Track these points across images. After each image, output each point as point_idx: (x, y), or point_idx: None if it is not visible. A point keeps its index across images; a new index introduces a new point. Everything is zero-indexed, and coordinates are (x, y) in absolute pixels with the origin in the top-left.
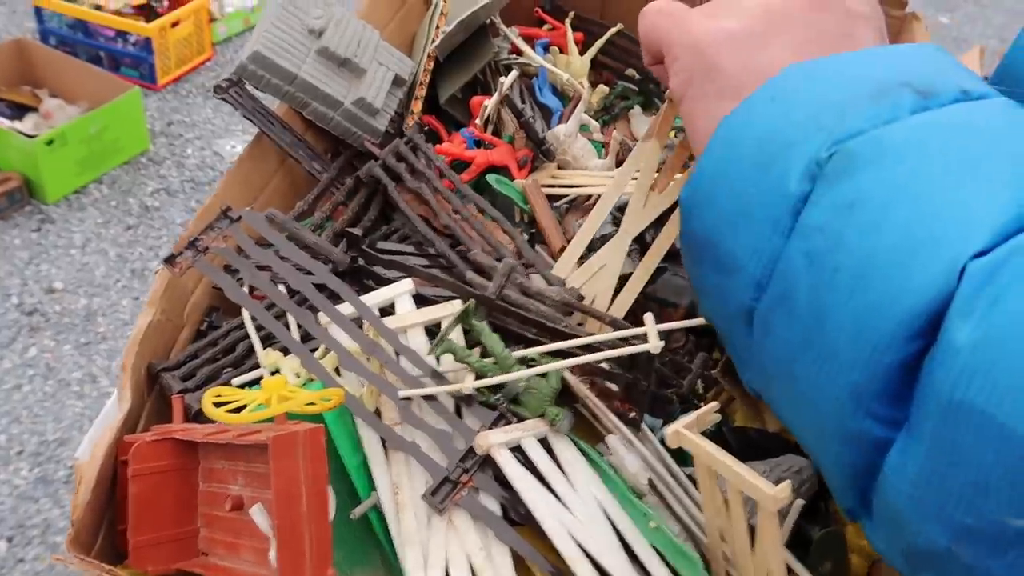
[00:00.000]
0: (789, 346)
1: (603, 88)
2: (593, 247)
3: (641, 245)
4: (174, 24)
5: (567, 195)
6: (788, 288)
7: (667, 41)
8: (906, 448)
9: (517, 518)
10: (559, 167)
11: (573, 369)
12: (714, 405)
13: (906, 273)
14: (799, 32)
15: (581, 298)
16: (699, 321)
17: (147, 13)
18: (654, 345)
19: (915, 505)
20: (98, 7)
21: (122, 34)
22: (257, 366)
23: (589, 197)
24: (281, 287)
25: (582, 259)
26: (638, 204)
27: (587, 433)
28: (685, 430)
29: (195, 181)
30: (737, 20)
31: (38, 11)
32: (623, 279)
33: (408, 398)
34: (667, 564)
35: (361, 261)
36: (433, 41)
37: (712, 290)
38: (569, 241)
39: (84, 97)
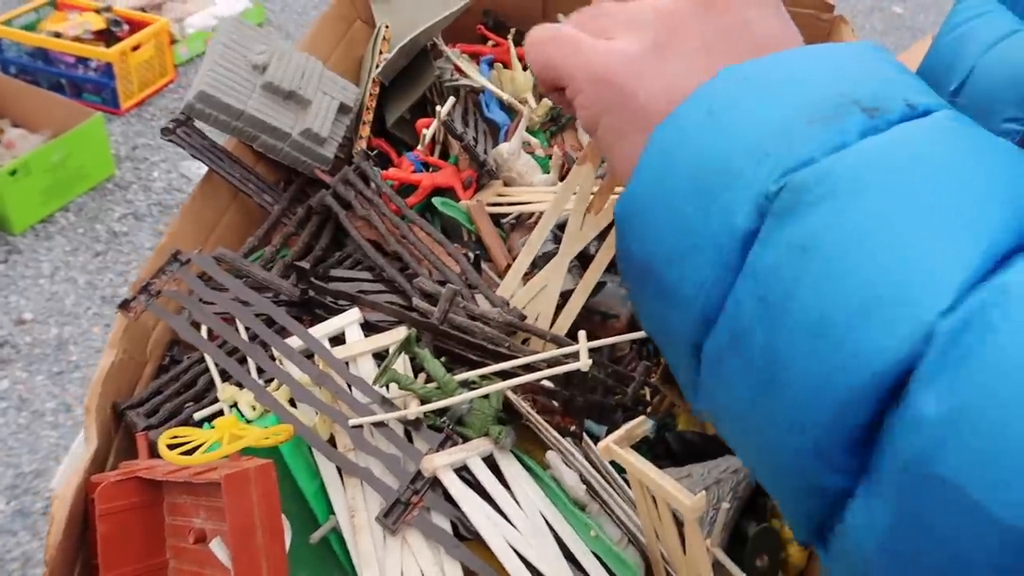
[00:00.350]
0: (744, 394)
1: (547, 102)
2: (537, 264)
3: (583, 259)
4: (135, 48)
5: (512, 212)
6: (741, 332)
7: (565, 73)
8: (870, 505)
9: (467, 534)
10: (505, 183)
11: (516, 388)
12: (642, 419)
13: (867, 333)
14: (699, 33)
15: (523, 318)
16: (637, 335)
17: (107, 38)
18: (584, 364)
19: (885, 561)
20: (57, 34)
21: (83, 60)
22: (217, 399)
23: (532, 214)
24: (239, 324)
25: (527, 275)
26: (575, 227)
27: (535, 444)
28: (614, 445)
29: (163, 204)
30: (634, 37)
31: None
32: (566, 295)
33: (359, 425)
34: (608, 570)
35: (311, 292)
36: (377, 66)
37: (655, 316)
38: (514, 259)
39: (47, 125)
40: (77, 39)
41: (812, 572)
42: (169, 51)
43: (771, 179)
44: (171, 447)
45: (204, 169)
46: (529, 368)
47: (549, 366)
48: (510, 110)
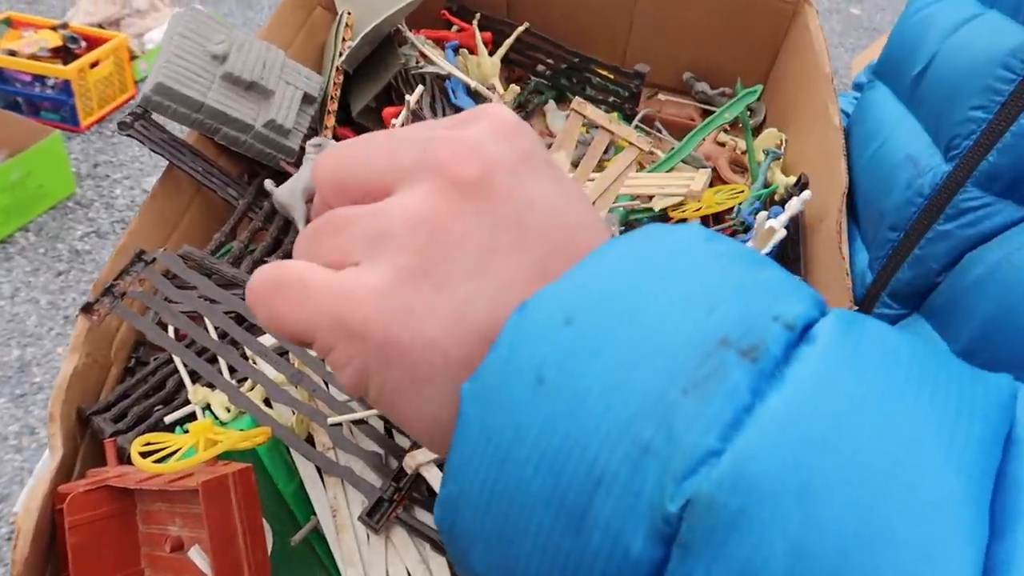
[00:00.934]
0: None
1: (514, 88)
2: None
3: None
4: (93, 64)
5: None
6: None
7: (300, 330)
8: None
9: None
10: None
11: None
12: None
13: None
14: (474, 238)
15: None
16: None
17: (64, 55)
18: None
19: None
20: (12, 52)
21: (39, 78)
22: (188, 402)
23: None
24: (207, 323)
25: None
26: None
27: None
28: None
29: (125, 221)
30: (383, 262)
31: None
32: None
33: (338, 424)
34: None
35: None
36: (341, 55)
37: None
38: None
39: (4, 144)
40: (33, 57)
41: None
42: (129, 67)
43: (665, 494)
44: (144, 455)
45: None
46: None
47: None
48: (477, 96)
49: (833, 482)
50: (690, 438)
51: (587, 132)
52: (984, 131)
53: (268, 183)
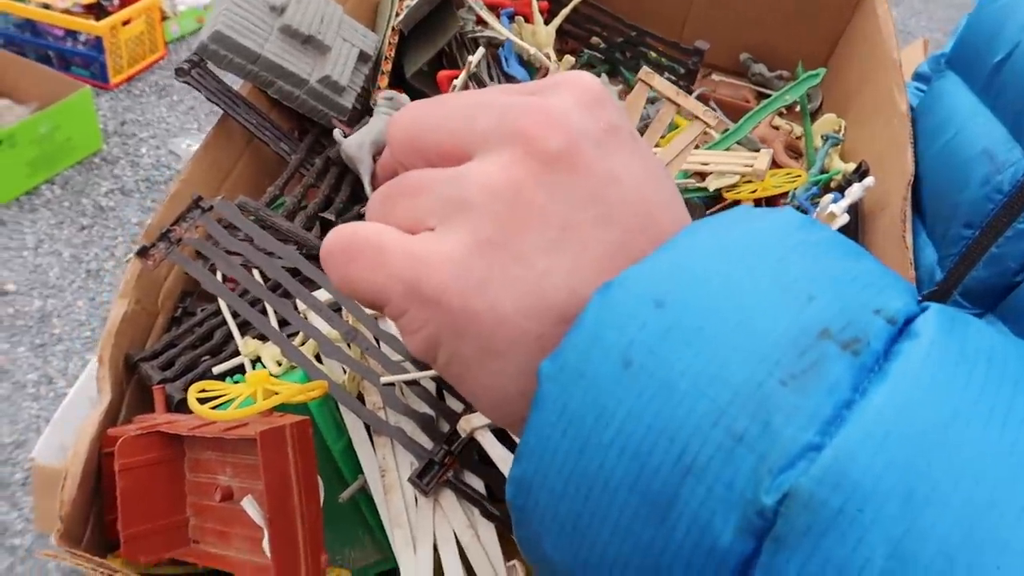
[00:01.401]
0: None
1: (569, 58)
2: None
3: None
4: (125, 22)
5: None
6: None
7: (374, 293)
8: None
9: (502, 497)
10: None
11: None
12: None
13: None
14: (554, 211)
15: None
16: None
17: (97, 12)
18: None
19: None
20: (46, 6)
21: (72, 33)
22: (236, 353)
23: None
24: (256, 275)
25: None
26: None
27: None
28: None
29: (150, 180)
30: (459, 230)
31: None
32: None
33: (391, 384)
34: None
35: None
36: (397, 15)
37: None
38: None
39: (34, 97)
40: (67, 12)
41: None
42: (160, 28)
43: (761, 487)
44: (201, 401)
45: (194, 147)
46: None
47: None
48: (530, 66)
49: (940, 485)
50: (789, 431)
51: (644, 107)
52: None
53: (337, 132)
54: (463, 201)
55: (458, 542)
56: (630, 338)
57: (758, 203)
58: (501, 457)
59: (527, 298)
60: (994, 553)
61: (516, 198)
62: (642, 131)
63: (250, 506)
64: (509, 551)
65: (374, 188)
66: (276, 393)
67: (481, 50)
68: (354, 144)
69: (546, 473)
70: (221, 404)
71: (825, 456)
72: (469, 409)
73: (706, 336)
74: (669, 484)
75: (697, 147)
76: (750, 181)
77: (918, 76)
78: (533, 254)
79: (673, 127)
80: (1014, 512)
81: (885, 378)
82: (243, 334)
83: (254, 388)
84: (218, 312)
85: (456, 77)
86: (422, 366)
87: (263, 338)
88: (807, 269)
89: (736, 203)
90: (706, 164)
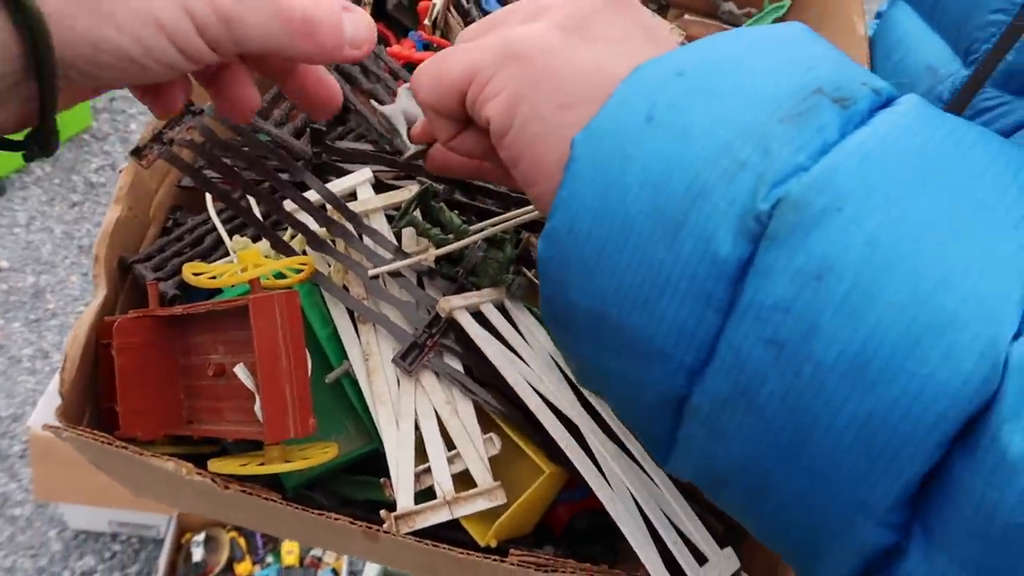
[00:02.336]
0: (756, 450)
1: None
2: None
3: None
4: None
5: None
6: (747, 385)
7: (467, 65)
8: (931, 560)
9: (479, 376)
10: None
11: (535, 235)
12: None
13: (921, 367)
14: (610, 24)
15: None
16: None
17: None
18: None
19: None
20: None
21: None
22: (227, 255)
23: None
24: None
25: None
26: None
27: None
28: None
29: None
30: (546, 21)
31: None
32: None
33: (375, 277)
34: None
35: (324, 156)
36: None
37: (613, 374)
38: None
39: None
40: None
41: None
42: None
43: (758, 196)
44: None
45: None
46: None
47: None
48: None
49: (910, 189)
50: (784, 154)
51: None
52: (1003, 33)
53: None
54: (544, 7)
55: (438, 417)
56: (653, 100)
57: None
58: (478, 335)
59: (593, 65)
60: (955, 242)
61: (585, 11)
62: None
63: (242, 372)
64: (485, 425)
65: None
66: (264, 264)
67: None
68: (390, 111)
69: (574, 219)
70: (212, 277)
71: (813, 171)
72: (454, 292)
73: (719, 92)
74: (680, 208)
75: None
76: None
77: (878, 15)
78: (600, 43)
79: None
80: (972, 212)
81: (867, 126)
82: (232, 238)
83: (244, 263)
84: (207, 221)
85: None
86: (404, 257)
87: (254, 239)
88: (809, 50)
89: None
90: None
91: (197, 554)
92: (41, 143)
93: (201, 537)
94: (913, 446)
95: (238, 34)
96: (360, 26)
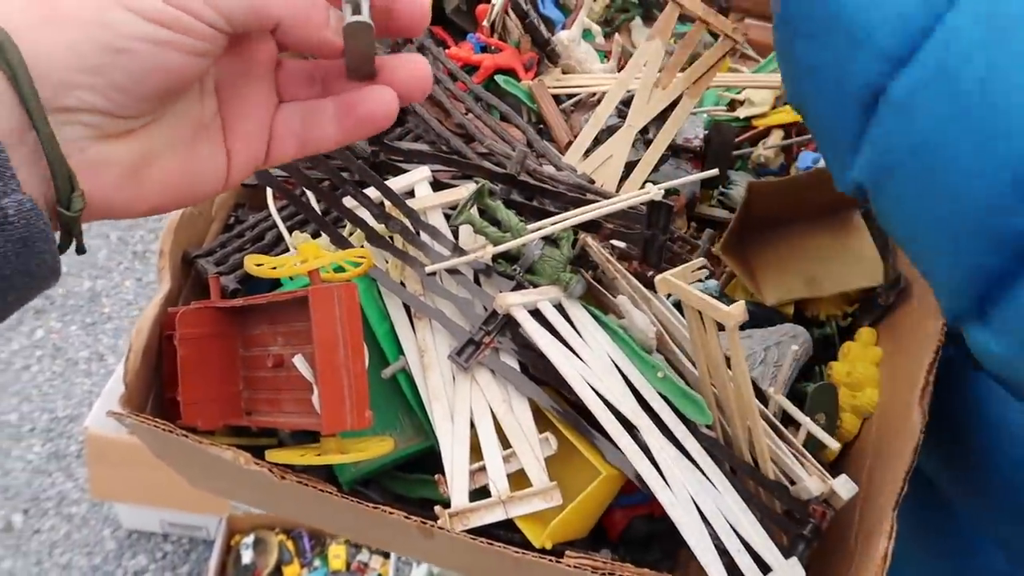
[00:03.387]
0: (939, 128)
1: (604, 0)
2: (599, 140)
3: (643, 138)
4: None
5: (574, 95)
6: (953, 63)
7: None
8: None
9: (536, 374)
10: (563, 72)
11: (592, 234)
12: (700, 261)
13: None
14: None
15: (591, 182)
16: (711, 173)
17: None
18: (655, 193)
19: None
20: None
21: None
22: (287, 251)
23: (594, 95)
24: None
25: (588, 152)
26: (642, 100)
27: (596, 303)
28: (670, 276)
29: None
30: None
31: None
32: (629, 168)
33: (432, 274)
34: (674, 409)
35: (382, 156)
36: None
37: (820, 68)
38: (576, 136)
39: None
40: None
41: (862, 442)
42: None
43: None
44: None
45: None
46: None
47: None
48: (564, 8)
49: None
50: None
51: (673, 42)
52: None
53: None
54: None
55: (493, 415)
56: None
57: (787, 131)
58: (536, 332)
59: None
60: None
61: None
62: (673, 53)
63: (300, 363)
64: (541, 424)
65: None
66: (324, 256)
67: None
68: None
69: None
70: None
71: None
72: (513, 288)
73: None
74: None
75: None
76: (780, 111)
77: None
78: None
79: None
80: None
81: None
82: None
83: (304, 255)
84: (268, 218)
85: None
86: (461, 254)
87: (314, 236)
88: None
89: (767, 130)
90: (739, 93)
91: (246, 556)
92: (63, 202)
93: (250, 539)
94: None
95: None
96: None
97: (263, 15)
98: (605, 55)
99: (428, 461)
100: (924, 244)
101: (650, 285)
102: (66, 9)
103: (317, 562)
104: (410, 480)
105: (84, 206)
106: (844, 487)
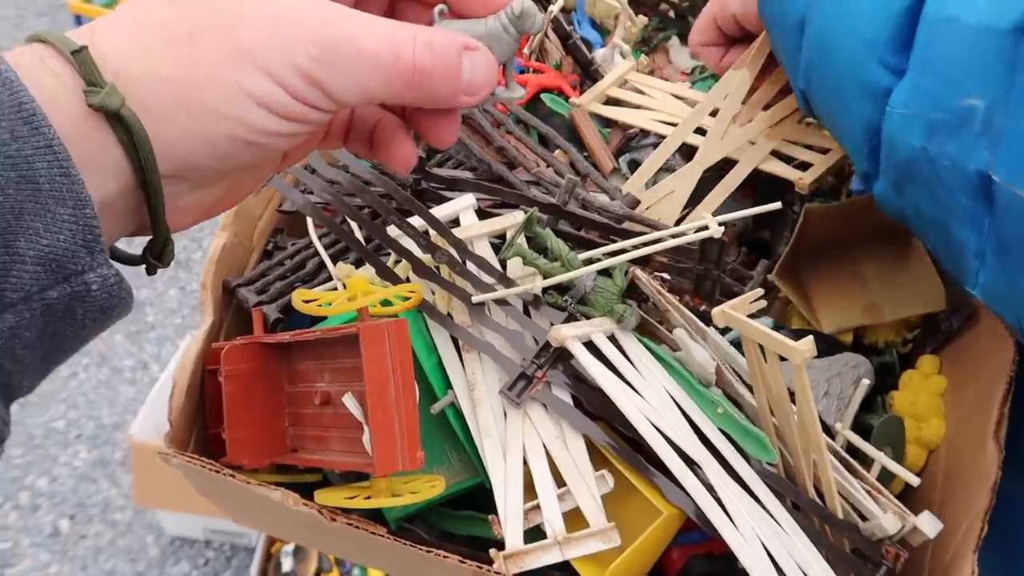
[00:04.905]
0: (825, 26)
1: (642, 18)
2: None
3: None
4: None
5: (633, 126)
6: None
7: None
8: (902, 87)
9: (590, 409)
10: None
11: (643, 266)
12: (758, 292)
13: None
14: None
15: (636, 203)
16: (773, 206)
17: None
18: (715, 230)
19: (903, 122)
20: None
21: None
22: (328, 280)
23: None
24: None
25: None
26: (716, 135)
27: (649, 335)
28: (729, 309)
29: None
30: None
31: (77, 18)
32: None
33: (480, 304)
34: (735, 446)
35: (424, 183)
36: None
37: (775, 18)
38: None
39: None
40: None
41: (929, 476)
42: None
43: None
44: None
45: None
46: (654, 245)
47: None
48: (601, 29)
49: None
50: None
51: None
52: None
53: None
54: None
55: (547, 452)
56: None
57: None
58: (592, 365)
59: None
60: None
61: None
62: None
63: (350, 402)
64: (597, 461)
65: None
66: (374, 293)
67: (560, 1)
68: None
69: None
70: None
71: None
72: (564, 320)
73: None
74: None
75: None
76: None
77: None
78: None
79: None
80: None
81: None
82: (334, 263)
83: (353, 291)
84: (310, 244)
85: None
86: (509, 285)
87: (356, 264)
88: None
89: None
90: None
91: (286, 564)
92: (156, 254)
93: (290, 547)
94: None
95: (336, 96)
96: (479, 70)
97: (383, 97)
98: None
99: (477, 496)
100: (835, 120)
101: (703, 318)
102: (211, 100)
103: (356, 571)
104: (458, 516)
105: (173, 258)
106: (929, 524)
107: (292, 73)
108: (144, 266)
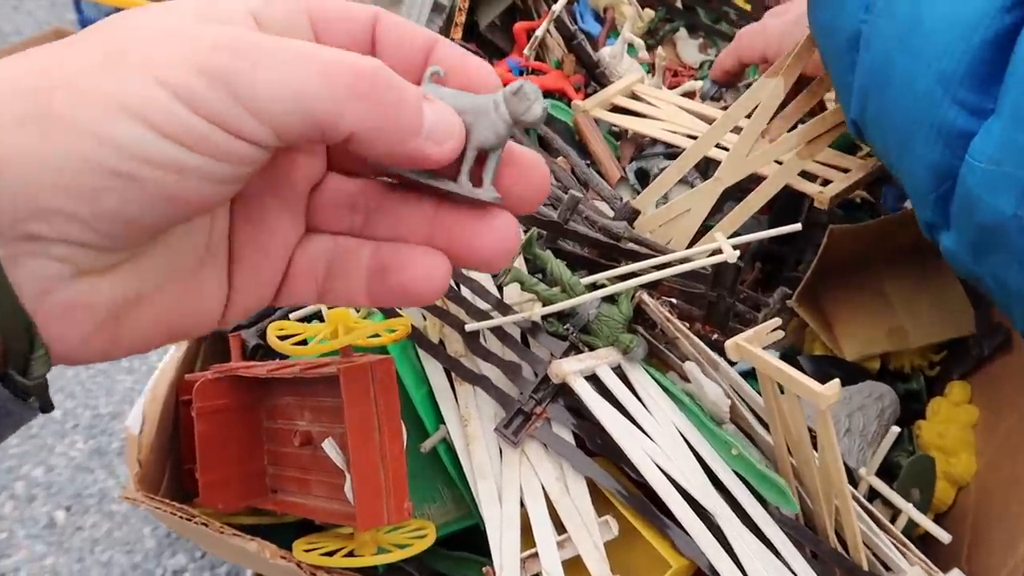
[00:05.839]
0: (885, 51)
1: (649, 12)
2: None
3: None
4: None
5: (644, 134)
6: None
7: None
8: (988, 132)
9: (593, 448)
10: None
11: (651, 291)
12: (775, 322)
13: None
14: None
15: (637, 213)
16: (793, 228)
17: None
18: (730, 254)
19: (989, 180)
20: None
21: None
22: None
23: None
24: None
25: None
26: (741, 152)
27: (657, 362)
28: (743, 342)
29: None
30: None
31: (77, 2)
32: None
33: (474, 332)
34: (751, 490)
35: None
36: None
37: (826, 28)
38: (624, 169)
39: None
40: None
41: (957, 513)
42: None
43: None
44: (280, 339)
45: None
46: (664, 268)
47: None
48: (604, 21)
49: None
50: None
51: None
52: None
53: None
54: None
55: (546, 495)
56: None
57: None
58: (596, 404)
59: None
60: None
61: None
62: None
63: (331, 448)
64: (600, 506)
65: None
66: (356, 329)
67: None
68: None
69: None
70: (300, 342)
71: None
72: (557, 356)
73: None
74: None
75: None
76: None
77: None
78: None
79: None
80: None
81: None
82: None
83: (334, 325)
84: None
85: (535, 29)
86: (506, 311)
87: None
88: None
89: None
90: None
91: None
92: (18, 366)
93: None
94: (982, 11)
95: (255, 103)
96: (441, 117)
97: (328, 127)
98: (649, 68)
99: (472, 533)
100: (896, 160)
101: (715, 346)
102: (60, 107)
103: None
104: (452, 558)
105: (48, 370)
106: None
107: (186, 68)
108: (35, 402)
